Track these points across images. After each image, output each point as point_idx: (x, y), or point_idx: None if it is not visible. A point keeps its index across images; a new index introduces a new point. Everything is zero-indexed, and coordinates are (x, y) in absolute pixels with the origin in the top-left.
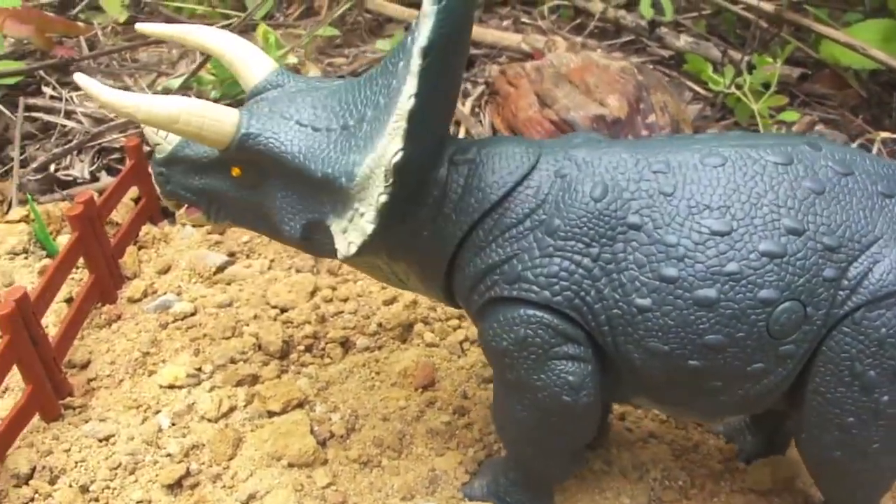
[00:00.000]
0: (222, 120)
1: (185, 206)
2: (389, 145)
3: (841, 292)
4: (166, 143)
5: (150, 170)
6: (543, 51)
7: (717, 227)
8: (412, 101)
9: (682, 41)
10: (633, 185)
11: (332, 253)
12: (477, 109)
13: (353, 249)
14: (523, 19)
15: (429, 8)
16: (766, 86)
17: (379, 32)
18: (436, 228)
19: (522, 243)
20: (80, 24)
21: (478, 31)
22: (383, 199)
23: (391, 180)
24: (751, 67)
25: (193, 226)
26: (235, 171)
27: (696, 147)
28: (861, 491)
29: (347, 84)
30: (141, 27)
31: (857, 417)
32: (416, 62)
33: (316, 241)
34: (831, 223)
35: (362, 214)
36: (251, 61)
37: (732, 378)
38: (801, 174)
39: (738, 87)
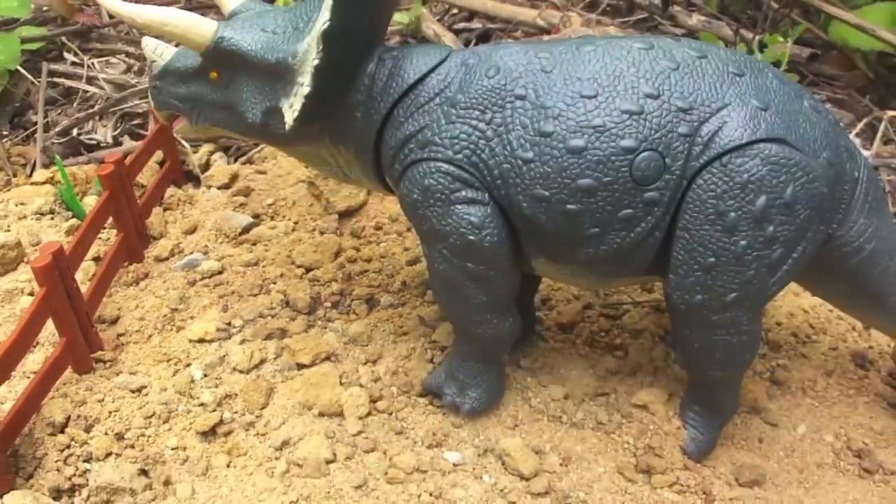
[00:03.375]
0: (203, 25)
1: (175, 119)
2: (319, 20)
3: (696, 147)
4: (161, 59)
5: (153, 109)
6: (559, 26)
7: (585, 91)
8: None
9: (695, 20)
10: (520, 67)
11: (283, 135)
12: None
13: (295, 114)
14: None
15: None
16: (776, 64)
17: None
18: (365, 110)
19: (432, 115)
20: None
21: (494, 5)
22: (316, 62)
23: (321, 46)
24: (762, 46)
25: (182, 134)
26: (213, 75)
27: (576, 40)
28: (719, 356)
29: (304, 2)
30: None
31: (717, 258)
32: None
33: (272, 126)
34: (684, 91)
35: (302, 84)
36: None
37: (607, 224)
38: (661, 56)
39: None
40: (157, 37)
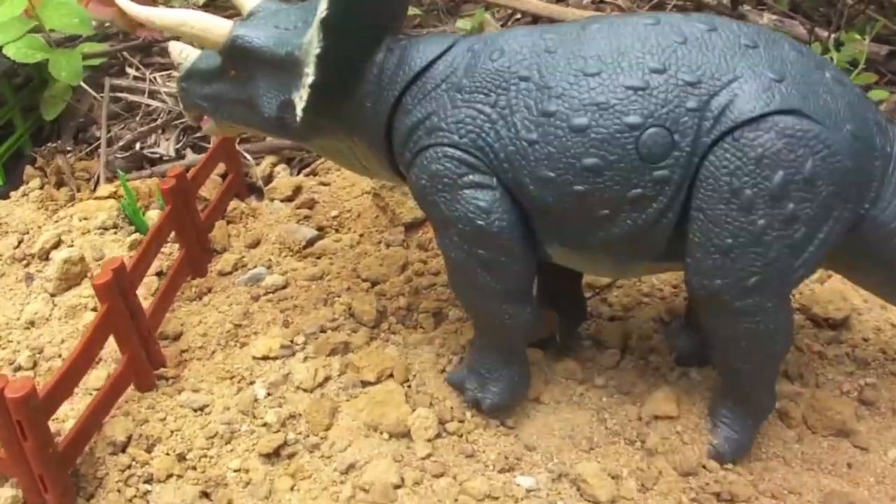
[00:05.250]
0: (218, 24)
1: (202, 120)
2: (320, 7)
3: (706, 122)
4: (186, 62)
5: (181, 103)
6: None
7: (588, 69)
8: None
9: (766, 18)
10: (525, 49)
11: (297, 128)
12: None
13: (302, 105)
14: None
15: None
16: (853, 63)
17: (456, 12)
18: (375, 100)
19: (439, 101)
20: (161, 4)
21: (558, 10)
22: (317, 51)
23: (321, 35)
24: (838, 45)
25: (209, 133)
26: (232, 73)
27: (584, 21)
28: (745, 345)
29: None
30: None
31: (735, 239)
32: None
33: (286, 119)
34: (692, 64)
35: (307, 74)
36: None
37: (616, 205)
38: (668, 31)
39: None
40: (180, 40)
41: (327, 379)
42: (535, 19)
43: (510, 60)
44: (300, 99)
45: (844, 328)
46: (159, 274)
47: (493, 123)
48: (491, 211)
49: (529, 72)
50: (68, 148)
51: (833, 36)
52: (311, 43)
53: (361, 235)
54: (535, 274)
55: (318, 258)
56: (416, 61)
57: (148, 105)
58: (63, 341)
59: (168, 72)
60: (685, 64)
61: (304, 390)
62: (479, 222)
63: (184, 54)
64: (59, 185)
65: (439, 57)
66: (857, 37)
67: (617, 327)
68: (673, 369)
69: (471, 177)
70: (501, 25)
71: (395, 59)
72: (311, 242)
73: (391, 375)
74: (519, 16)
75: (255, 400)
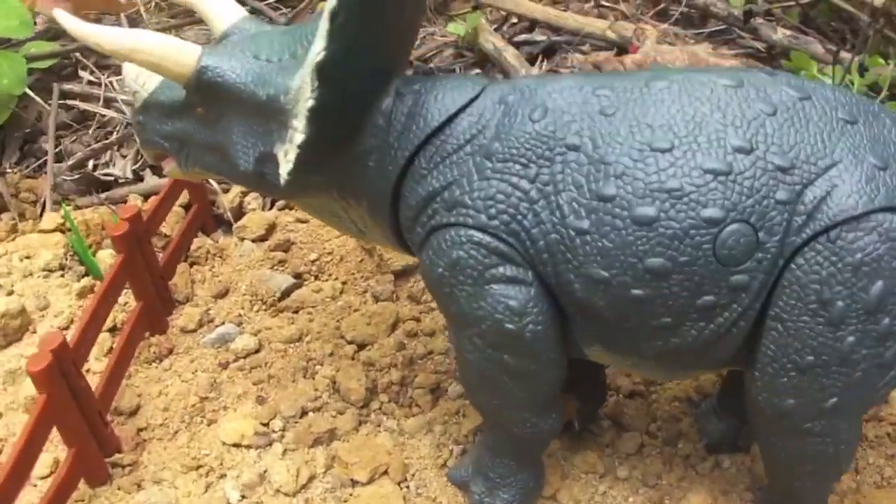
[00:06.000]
0: (182, 52)
1: (163, 160)
2: (312, 49)
3: (797, 217)
4: (143, 90)
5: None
6: (633, 40)
7: (657, 143)
8: (332, 1)
9: (780, 34)
10: (574, 107)
11: (282, 188)
12: None
13: (289, 167)
14: (603, 2)
15: None
16: (874, 89)
17: (444, 11)
18: (380, 158)
19: (462, 168)
20: (122, 0)
21: (557, 14)
22: (310, 103)
23: (315, 83)
24: (862, 69)
25: (172, 176)
26: (199, 111)
27: (645, 74)
28: (810, 467)
29: (304, 23)
30: None
31: (817, 357)
32: None
33: (267, 175)
34: (783, 143)
35: (296, 128)
36: (220, 9)
37: (681, 313)
38: (753, 96)
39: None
40: None
41: (311, 479)
42: (532, 24)
43: (555, 122)
44: (284, 156)
45: (884, 402)
46: (112, 329)
47: (532, 203)
48: (524, 313)
49: (580, 139)
50: (12, 164)
51: (857, 59)
52: (302, 90)
53: (344, 283)
54: (565, 376)
55: (296, 313)
56: (434, 114)
57: (102, 115)
58: (1, 416)
59: None
60: (776, 143)
61: (285, 494)
62: (509, 325)
63: (140, 80)
64: (0, 210)
65: (463, 109)
66: (881, 61)
67: (640, 407)
68: (704, 459)
69: (501, 269)
70: (495, 29)
71: (407, 109)
72: (286, 293)
73: (385, 473)
74: (515, 20)
75: (227, 503)
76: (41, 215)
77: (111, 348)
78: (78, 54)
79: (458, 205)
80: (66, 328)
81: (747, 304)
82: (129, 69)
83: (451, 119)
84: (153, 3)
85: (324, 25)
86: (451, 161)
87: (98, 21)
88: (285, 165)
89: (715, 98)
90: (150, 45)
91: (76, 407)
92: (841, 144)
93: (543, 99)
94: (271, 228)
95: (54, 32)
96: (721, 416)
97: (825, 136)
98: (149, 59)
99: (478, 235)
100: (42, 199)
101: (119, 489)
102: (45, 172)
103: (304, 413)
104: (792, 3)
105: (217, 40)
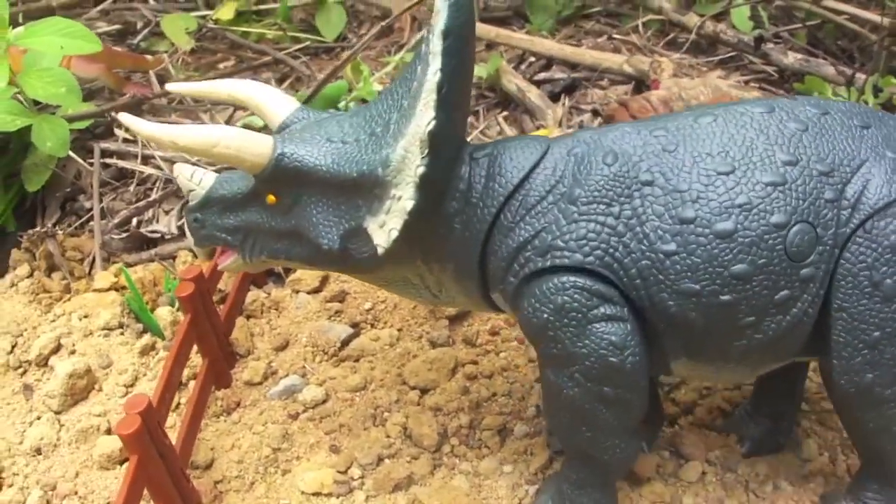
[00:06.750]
0: (258, 142)
1: (219, 252)
2: (422, 118)
3: (843, 212)
4: (200, 188)
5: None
6: (651, 74)
7: (721, 168)
8: (438, 75)
9: (791, 58)
10: (639, 149)
11: (369, 260)
12: None
13: (394, 235)
14: (614, 35)
15: (441, 4)
16: (888, 108)
17: None
18: (465, 219)
19: (548, 216)
20: (149, 57)
21: (574, 52)
22: (421, 170)
23: (426, 151)
24: (877, 90)
25: (230, 271)
26: (270, 199)
27: (687, 113)
28: None
29: (369, 104)
30: (171, 87)
31: (882, 331)
32: (437, 44)
33: (353, 251)
34: (820, 152)
35: (400, 197)
36: (275, 102)
37: (763, 310)
38: (785, 118)
39: None
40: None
41: None
42: (549, 62)
43: (627, 164)
44: (382, 227)
45: None
46: (179, 384)
47: (620, 237)
48: (625, 346)
49: (652, 175)
50: (55, 224)
51: (870, 79)
52: (407, 161)
53: (400, 331)
54: None
55: (357, 361)
56: (513, 172)
57: (141, 172)
58: (77, 474)
59: None
60: (814, 153)
61: None
62: (612, 359)
63: (195, 178)
64: (51, 269)
65: (536, 165)
66: (894, 80)
67: (698, 437)
68: (762, 482)
69: (602, 309)
70: (513, 67)
71: (484, 171)
72: (345, 342)
73: None
74: (532, 59)
75: None
76: (90, 273)
77: (178, 404)
78: (113, 113)
79: (552, 248)
80: (131, 385)
81: (815, 293)
82: (182, 168)
83: (527, 175)
84: (180, 60)
85: (431, 97)
86: (535, 211)
87: (127, 78)
88: (384, 235)
89: (756, 124)
90: (228, 139)
91: (163, 466)
92: (864, 146)
93: (610, 146)
94: (325, 280)
95: (88, 90)
96: (757, 420)
97: (850, 140)
98: (226, 153)
99: (579, 280)
100: (90, 257)
101: None
102: (88, 230)
103: (380, 460)
104: (799, 25)
105: (277, 131)
